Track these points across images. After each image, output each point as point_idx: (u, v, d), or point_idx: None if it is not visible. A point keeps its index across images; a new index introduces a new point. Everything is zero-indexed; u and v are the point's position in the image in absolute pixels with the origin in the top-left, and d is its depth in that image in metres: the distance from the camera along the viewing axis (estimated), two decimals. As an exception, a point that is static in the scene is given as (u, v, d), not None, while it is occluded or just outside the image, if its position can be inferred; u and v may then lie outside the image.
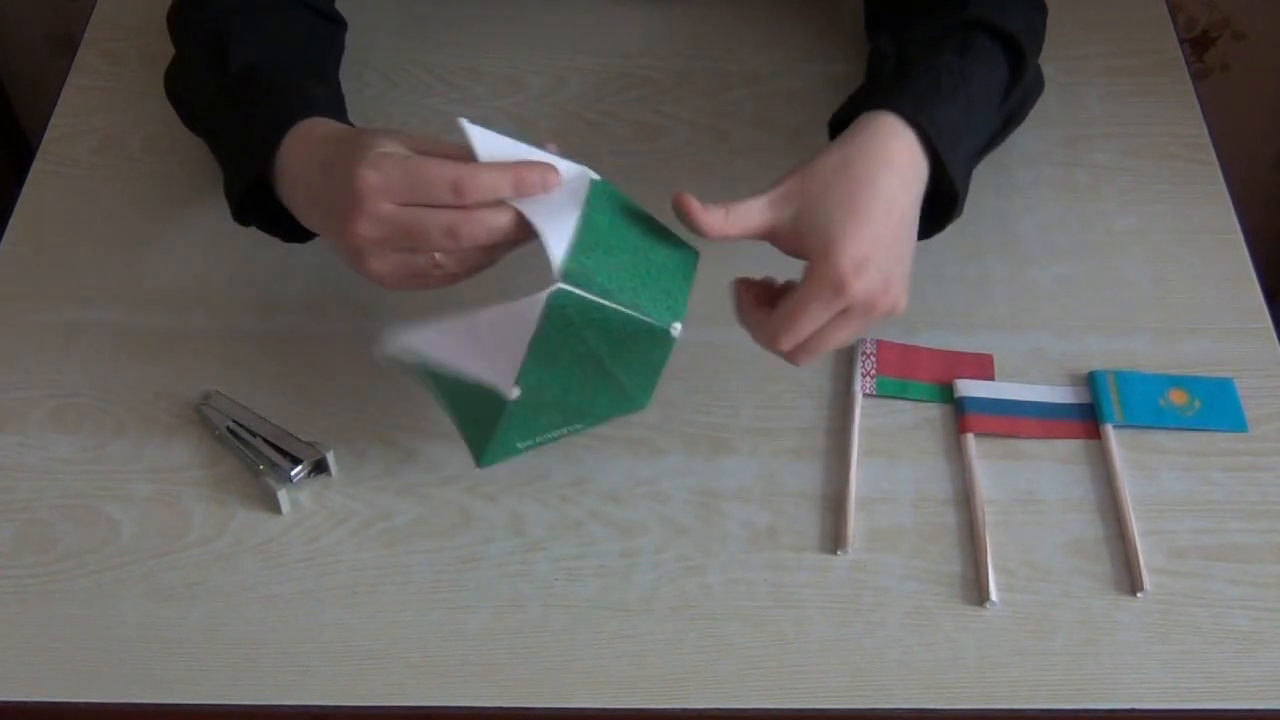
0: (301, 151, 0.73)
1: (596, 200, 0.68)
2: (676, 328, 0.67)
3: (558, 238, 0.66)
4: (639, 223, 0.70)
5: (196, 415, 0.82)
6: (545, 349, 0.67)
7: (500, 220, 0.66)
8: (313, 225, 0.74)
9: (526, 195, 0.66)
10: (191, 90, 0.88)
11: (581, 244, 0.66)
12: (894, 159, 0.71)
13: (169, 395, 0.83)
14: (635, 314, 0.66)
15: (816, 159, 0.71)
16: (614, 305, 0.66)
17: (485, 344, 0.67)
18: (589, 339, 0.67)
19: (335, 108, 0.79)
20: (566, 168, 0.69)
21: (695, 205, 0.68)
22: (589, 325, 0.66)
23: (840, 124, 0.76)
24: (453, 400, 0.72)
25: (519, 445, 0.72)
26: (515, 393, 0.68)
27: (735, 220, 0.69)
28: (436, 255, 0.68)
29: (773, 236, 0.70)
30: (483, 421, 0.71)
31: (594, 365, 0.68)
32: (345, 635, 0.73)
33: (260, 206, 0.78)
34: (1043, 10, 0.91)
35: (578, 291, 0.65)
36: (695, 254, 0.71)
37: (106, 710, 0.71)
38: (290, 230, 0.78)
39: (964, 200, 0.78)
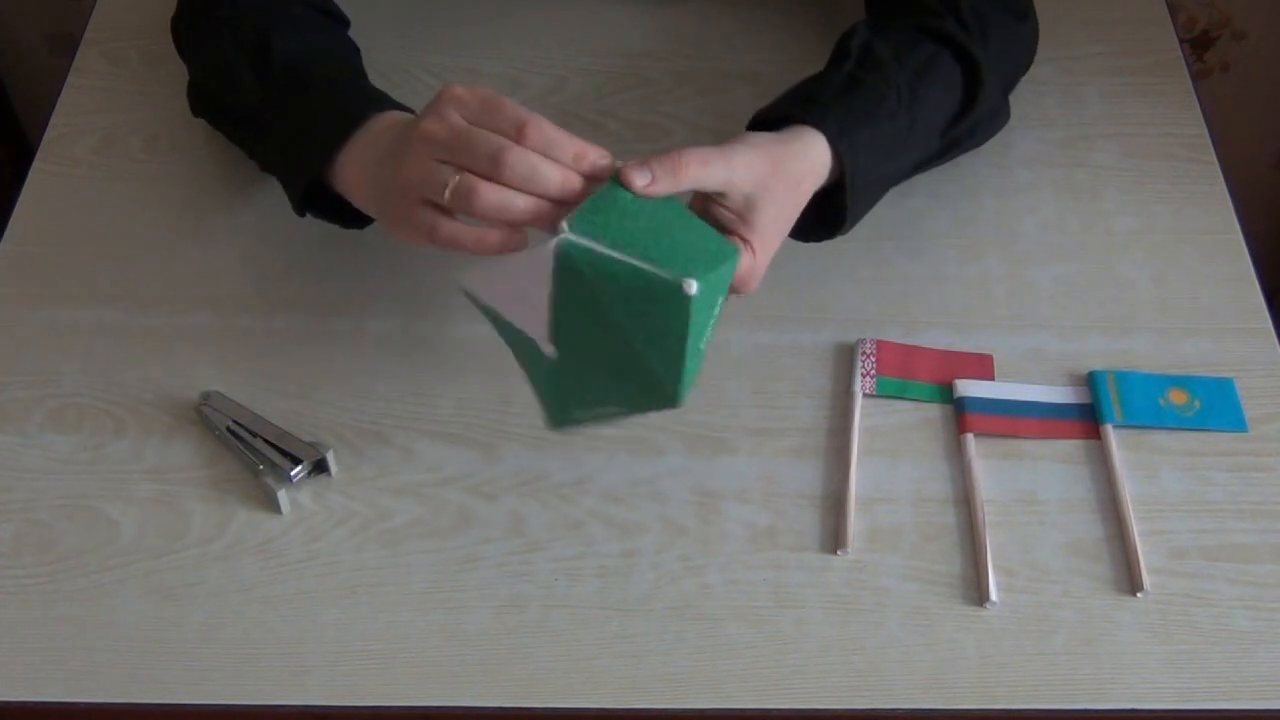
0: (370, 139, 0.76)
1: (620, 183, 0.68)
2: (691, 285, 0.65)
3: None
4: (672, 206, 0.69)
5: (196, 415, 0.82)
6: (564, 306, 0.67)
7: (549, 172, 0.67)
8: (371, 198, 0.76)
9: (580, 169, 0.68)
10: (228, 89, 0.87)
11: (593, 206, 0.66)
12: (816, 175, 0.76)
13: (169, 395, 0.83)
14: (645, 266, 0.65)
15: (782, 148, 0.74)
16: (622, 257, 0.65)
17: (524, 293, 0.68)
18: (603, 297, 0.66)
19: (394, 102, 0.81)
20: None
21: (634, 172, 0.68)
22: (600, 279, 0.65)
23: (775, 118, 0.78)
24: (517, 349, 0.71)
25: (577, 414, 0.72)
26: (550, 350, 0.69)
27: (697, 175, 0.70)
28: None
29: (715, 195, 0.72)
30: (543, 378, 0.71)
31: (616, 333, 0.67)
32: (345, 635, 0.73)
33: (310, 197, 0.81)
34: (1026, 22, 0.92)
35: (584, 242, 0.65)
36: (735, 249, 0.70)
37: (106, 710, 0.71)
38: (345, 218, 0.81)
39: (856, 219, 0.81)
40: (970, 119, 0.85)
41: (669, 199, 0.69)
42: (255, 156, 0.89)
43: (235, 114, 0.89)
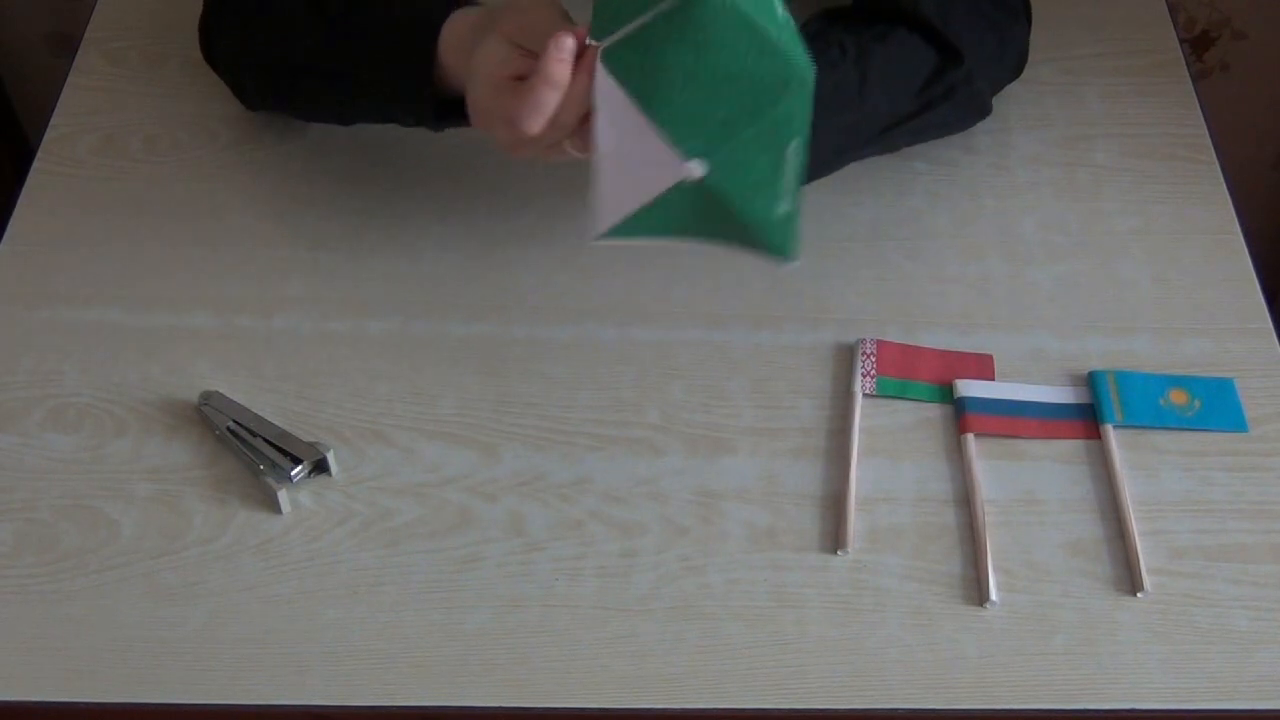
0: (456, 40, 0.75)
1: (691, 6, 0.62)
2: (693, 167, 0.61)
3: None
4: (736, 37, 0.63)
5: (196, 415, 0.82)
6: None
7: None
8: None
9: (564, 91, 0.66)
10: (296, 44, 0.85)
11: (632, 39, 0.63)
12: None
13: (169, 395, 0.83)
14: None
15: None
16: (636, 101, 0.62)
17: (618, 128, 0.64)
18: None
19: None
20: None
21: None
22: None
23: None
24: (697, 229, 0.69)
25: (782, 206, 0.69)
26: (683, 152, 0.66)
27: None
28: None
29: None
30: (744, 210, 0.69)
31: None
32: (345, 635, 0.73)
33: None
34: (1017, 22, 0.91)
35: (605, 70, 0.62)
36: (796, 71, 0.64)
37: (106, 710, 0.71)
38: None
39: (810, 171, 0.78)
40: (944, 83, 0.85)
41: (749, 37, 0.63)
42: (349, 112, 0.87)
43: (310, 74, 0.85)
